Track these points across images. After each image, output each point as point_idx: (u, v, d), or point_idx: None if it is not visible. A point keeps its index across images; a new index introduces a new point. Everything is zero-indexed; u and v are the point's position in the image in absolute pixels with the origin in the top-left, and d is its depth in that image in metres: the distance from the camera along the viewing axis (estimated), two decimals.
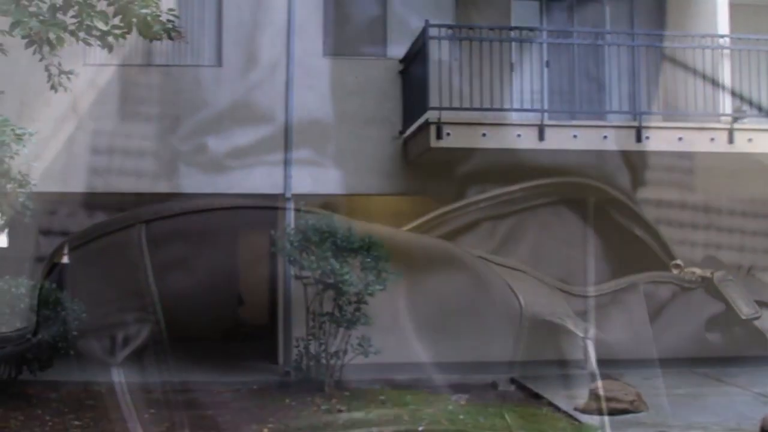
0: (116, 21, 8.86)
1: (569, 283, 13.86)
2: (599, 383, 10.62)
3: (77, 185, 13.37)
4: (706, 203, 14.84)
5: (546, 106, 13.53)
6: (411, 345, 12.19)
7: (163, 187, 13.56)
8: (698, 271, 14.13)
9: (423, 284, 12.75)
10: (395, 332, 12.23)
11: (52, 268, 12.70)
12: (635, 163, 13.43)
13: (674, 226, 15.00)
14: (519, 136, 12.59)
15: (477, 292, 13.10)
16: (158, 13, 9.86)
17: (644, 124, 12.88)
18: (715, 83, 13.14)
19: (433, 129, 12.37)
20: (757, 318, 13.68)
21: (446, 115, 12.43)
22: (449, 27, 13.04)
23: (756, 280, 14.77)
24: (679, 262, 14.12)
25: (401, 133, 13.84)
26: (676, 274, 14.04)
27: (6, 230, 12.33)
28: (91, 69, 13.08)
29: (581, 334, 12.53)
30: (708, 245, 15.17)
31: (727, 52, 13.30)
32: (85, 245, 13.02)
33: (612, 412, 10.08)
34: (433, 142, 12.36)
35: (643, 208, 14.26)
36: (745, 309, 13.70)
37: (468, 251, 13.44)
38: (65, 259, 12.64)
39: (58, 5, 8.65)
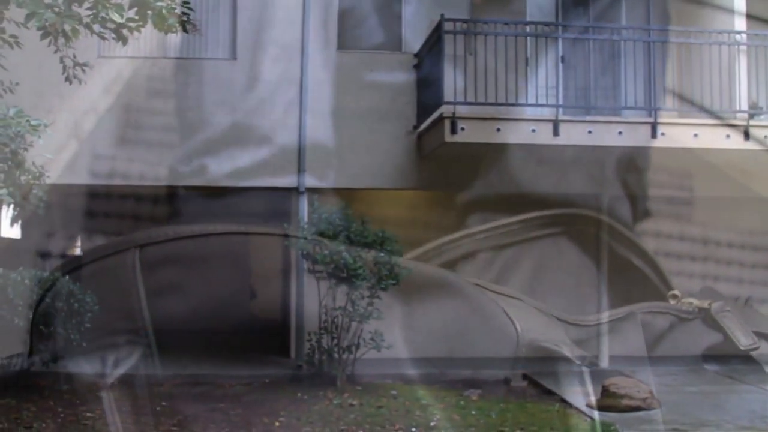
0: (131, 13, 8.84)
1: (567, 314, 13.92)
2: (612, 380, 10.62)
3: (91, 178, 13.40)
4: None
5: (561, 102, 13.54)
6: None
7: (175, 180, 13.55)
8: (696, 301, 14.23)
9: (421, 313, 12.81)
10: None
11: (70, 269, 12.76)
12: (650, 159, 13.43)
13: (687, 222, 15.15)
14: (533, 131, 12.55)
15: (474, 319, 13.23)
16: (173, 6, 9.85)
17: (659, 120, 12.82)
18: (731, 80, 13.07)
19: (447, 124, 12.32)
20: (755, 349, 13.70)
21: (461, 110, 12.39)
22: (464, 21, 12.97)
23: (754, 311, 14.76)
24: (676, 292, 14.25)
25: (415, 127, 13.81)
26: (674, 305, 14.10)
27: (19, 222, 12.32)
28: (106, 61, 13.10)
29: (578, 362, 12.55)
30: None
31: (743, 48, 13.23)
32: (81, 268, 13.09)
33: (625, 409, 10.08)
34: (448, 137, 12.32)
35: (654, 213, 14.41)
36: (743, 340, 13.73)
37: (465, 279, 13.55)
38: (78, 252, 12.66)
39: None
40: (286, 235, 13.18)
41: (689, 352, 13.85)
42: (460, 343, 13.15)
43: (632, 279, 14.13)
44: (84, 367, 11.41)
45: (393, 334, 12.14)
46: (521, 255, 14.27)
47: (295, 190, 13.47)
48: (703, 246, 15.46)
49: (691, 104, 13.69)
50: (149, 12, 8.77)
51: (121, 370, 11.55)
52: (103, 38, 9.09)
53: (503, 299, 13.35)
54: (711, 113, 13.22)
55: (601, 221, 14.02)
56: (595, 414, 10.03)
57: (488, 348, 13.08)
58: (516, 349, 12.71)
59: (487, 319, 13.14)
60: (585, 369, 12.01)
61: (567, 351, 12.69)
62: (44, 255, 14.19)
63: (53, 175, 11.00)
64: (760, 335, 13.91)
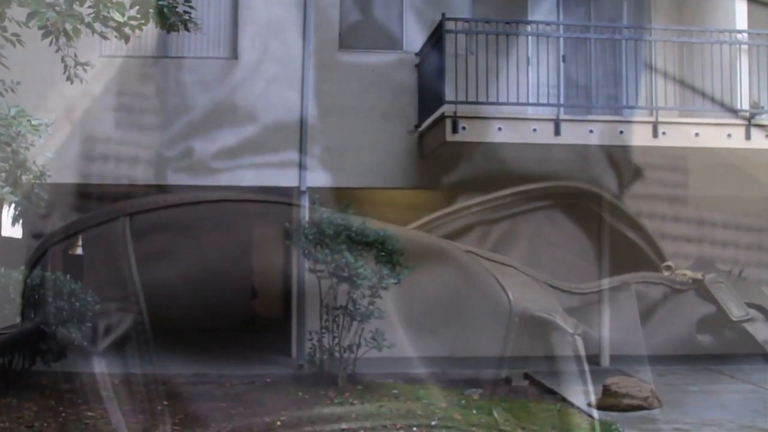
0: (132, 12, 8.84)
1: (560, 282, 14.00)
2: (613, 380, 10.61)
3: (92, 177, 13.41)
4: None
5: (562, 101, 13.53)
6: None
7: (178, 179, 13.54)
8: (689, 273, 14.30)
9: (413, 280, 12.81)
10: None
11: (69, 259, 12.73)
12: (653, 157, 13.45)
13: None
14: (535, 130, 12.55)
15: (467, 287, 13.27)
16: (175, 4, 9.86)
17: (661, 119, 12.81)
18: (732, 79, 13.06)
19: (448, 123, 12.32)
20: (747, 320, 13.78)
21: (462, 109, 12.38)
22: (466, 21, 12.96)
23: (747, 282, 14.78)
24: (670, 263, 14.27)
25: (417, 126, 13.81)
26: (668, 276, 14.13)
27: (20, 221, 12.34)
28: (107, 60, 13.10)
29: (570, 330, 12.58)
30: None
31: (744, 47, 13.22)
32: (67, 240, 13.04)
33: (626, 409, 10.07)
34: (449, 136, 12.32)
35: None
36: (735, 311, 13.80)
37: (458, 246, 13.55)
38: (79, 250, 12.64)
39: None
40: (279, 203, 13.23)
41: (682, 322, 13.95)
42: (452, 312, 13.28)
43: (626, 251, 14.11)
44: (85, 365, 11.40)
45: (384, 303, 12.07)
46: (514, 229, 14.30)
47: (296, 189, 13.46)
48: (707, 245, 15.50)
49: (692, 103, 13.69)
50: (150, 10, 8.78)
51: (123, 369, 11.53)
52: (105, 37, 9.08)
53: (496, 267, 13.38)
54: (712, 112, 13.22)
55: (593, 194, 13.99)
56: (597, 413, 10.02)
57: (480, 317, 13.21)
58: (509, 319, 12.75)
59: (480, 288, 13.19)
60: (586, 368, 11.98)
61: (559, 320, 12.75)
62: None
63: (54, 175, 11.01)
64: (752, 306, 14.01)
